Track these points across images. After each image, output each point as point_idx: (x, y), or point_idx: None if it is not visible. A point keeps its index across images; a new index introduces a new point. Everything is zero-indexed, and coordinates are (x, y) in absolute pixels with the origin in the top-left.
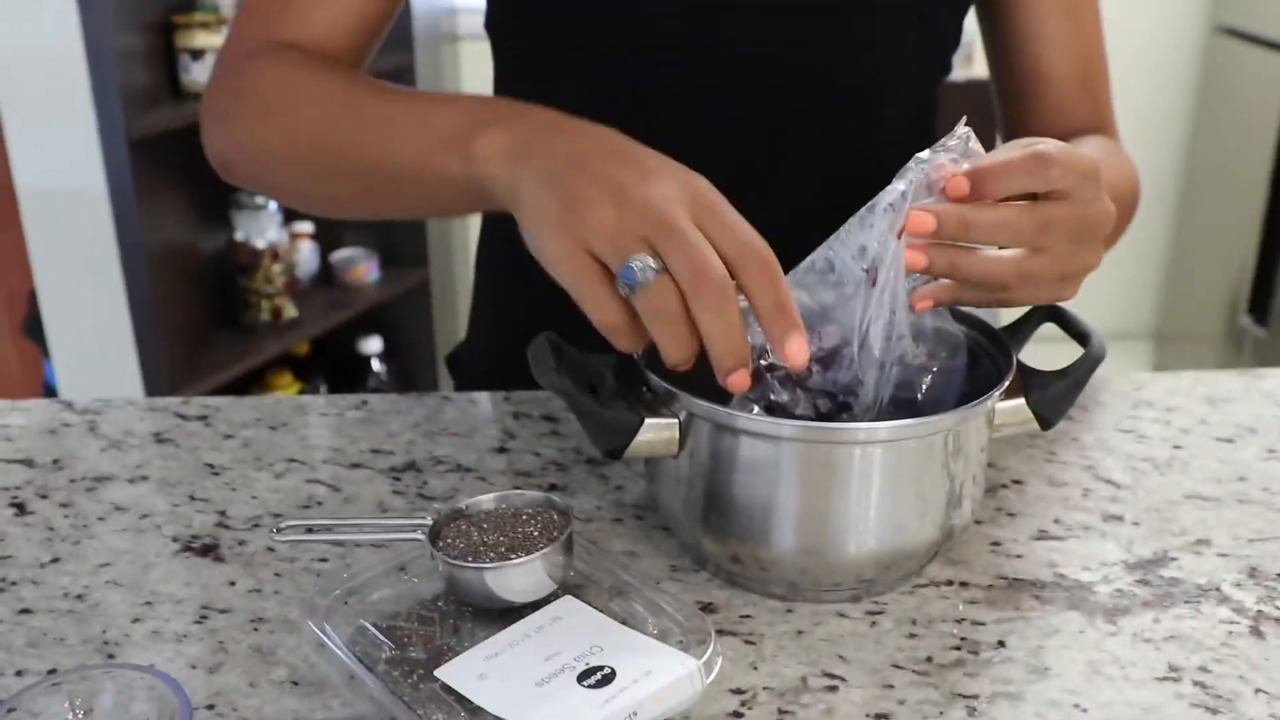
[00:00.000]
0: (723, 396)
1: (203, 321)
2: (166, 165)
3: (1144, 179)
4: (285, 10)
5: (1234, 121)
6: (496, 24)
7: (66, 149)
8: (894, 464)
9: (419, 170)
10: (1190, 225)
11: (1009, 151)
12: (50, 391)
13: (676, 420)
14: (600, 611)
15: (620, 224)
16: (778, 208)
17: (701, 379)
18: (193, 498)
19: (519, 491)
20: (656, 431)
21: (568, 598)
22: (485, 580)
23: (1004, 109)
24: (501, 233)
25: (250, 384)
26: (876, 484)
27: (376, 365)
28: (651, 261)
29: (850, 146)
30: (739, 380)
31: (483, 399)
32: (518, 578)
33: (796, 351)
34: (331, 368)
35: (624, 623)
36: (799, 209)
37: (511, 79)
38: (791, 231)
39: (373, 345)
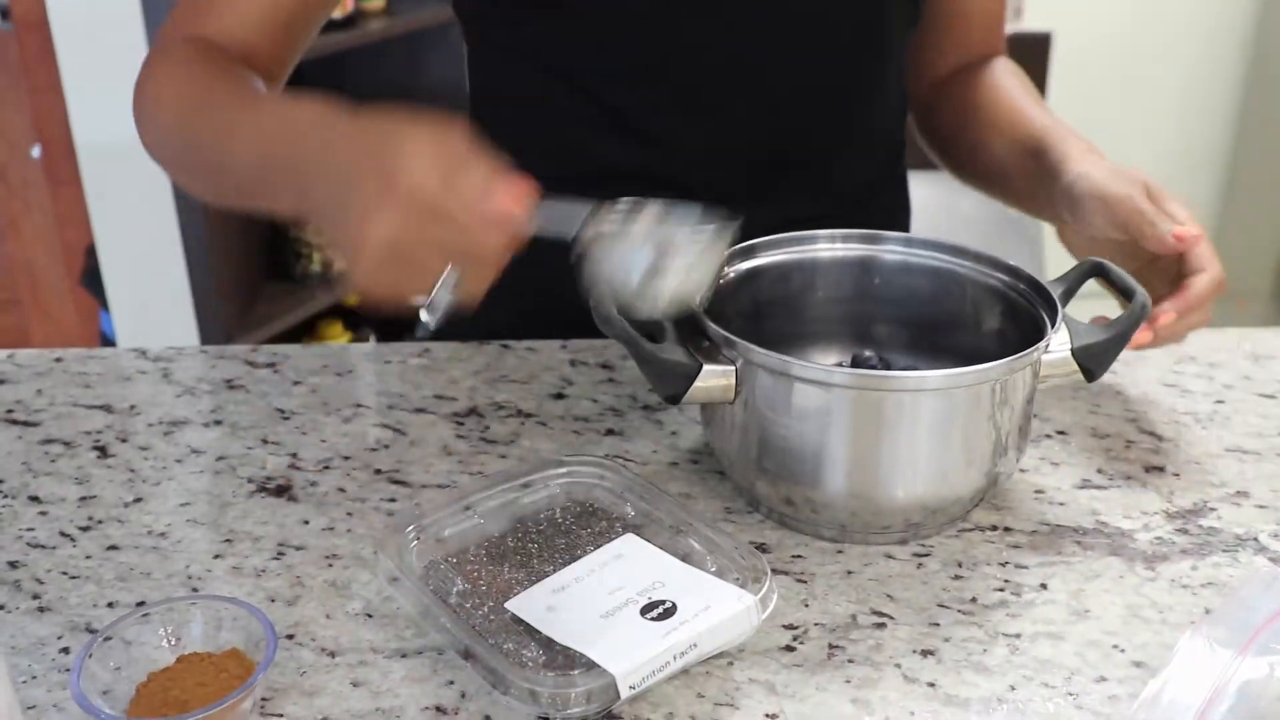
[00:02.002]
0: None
1: (256, 273)
2: None
3: (1193, 137)
4: (207, 7)
5: None
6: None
7: (124, 104)
8: (943, 412)
9: (255, 194)
10: (1240, 185)
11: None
12: (107, 342)
13: (733, 367)
14: (661, 549)
15: (392, 282)
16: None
17: (758, 334)
18: (265, 441)
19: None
20: (714, 378)
21: (629, 535)
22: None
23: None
24: None
25: (302, 334)
26: (925, 431)
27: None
28: (443, 284)
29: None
30: None
31: (541, 347)
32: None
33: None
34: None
35: (683, 560)
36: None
37: (482, 73)
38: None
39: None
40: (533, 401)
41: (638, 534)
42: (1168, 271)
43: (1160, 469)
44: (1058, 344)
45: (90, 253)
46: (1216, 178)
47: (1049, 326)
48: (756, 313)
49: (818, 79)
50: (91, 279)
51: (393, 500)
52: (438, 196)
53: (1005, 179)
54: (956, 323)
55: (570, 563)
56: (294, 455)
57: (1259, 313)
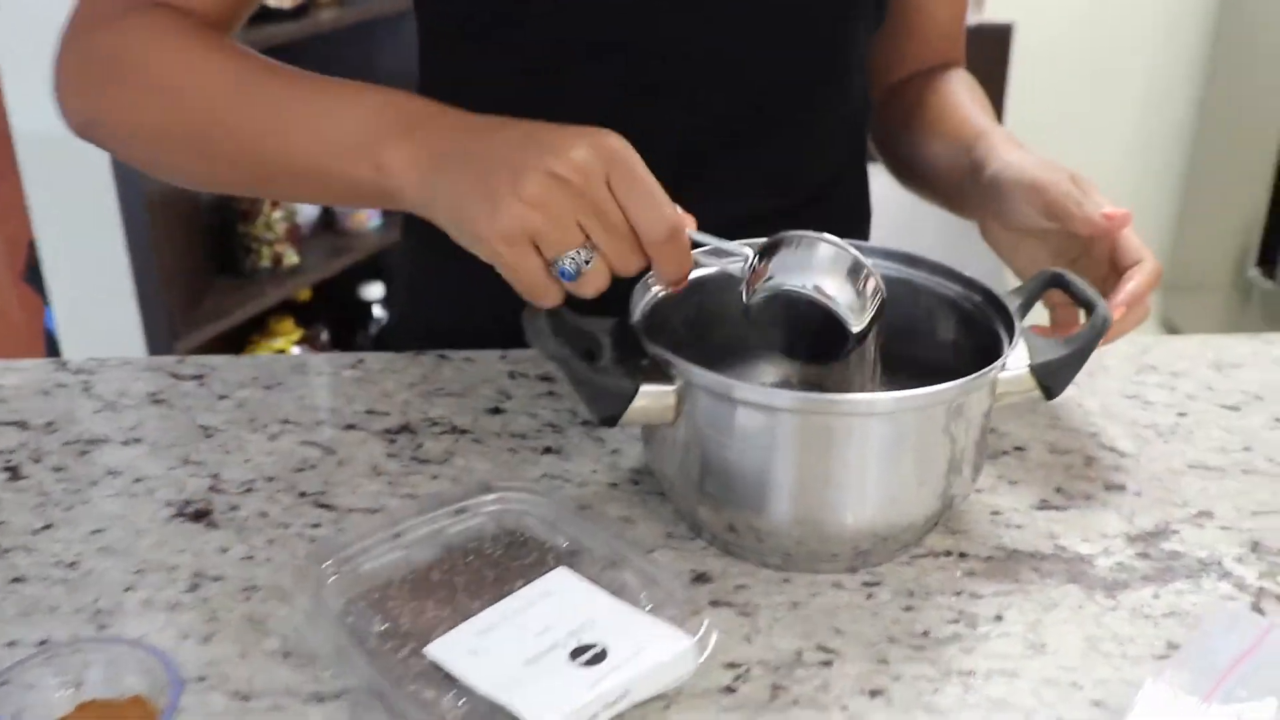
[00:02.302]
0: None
1: (204, 268)
2: None
3: (1155, 128)
4: None
5: (1248, 72)
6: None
7: None
8: (894, 435)
9: (324, 170)
10: (1201, 176)
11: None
12: (51, 338)
13: (673, 388)
14: (593, 583)
15: (544, 220)
16: (717, 189)
17: (702, 346)
18: (186, 461)
19: None
20: (653, 399)
21: (561, 569)
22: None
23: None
24: None
25: (252, 331)
26: (875, 455)
27: (378, 311)
28: (582, 254)
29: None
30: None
31: (479, 358)
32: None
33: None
34: (333, 314)
35: (617, 594)
36: (740, 187)
37: (437, 55)
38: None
39: (374, 291)
40: (468, 417)
41: (570, 565)
42: (1099, 266)
43: (1121, 487)
44: (1015, 361)
45: (32, 247)
46: (1178, 169)
47: (1005, 342)
48: (703, 321)
49: (793, 73)
50: (34, 275)
51: (317, 525)
52: (634, 158)
53: (939, 177)
54: (911, 334)
55: (498, 599)
56: (215, 476)
57: (1221, 303)
